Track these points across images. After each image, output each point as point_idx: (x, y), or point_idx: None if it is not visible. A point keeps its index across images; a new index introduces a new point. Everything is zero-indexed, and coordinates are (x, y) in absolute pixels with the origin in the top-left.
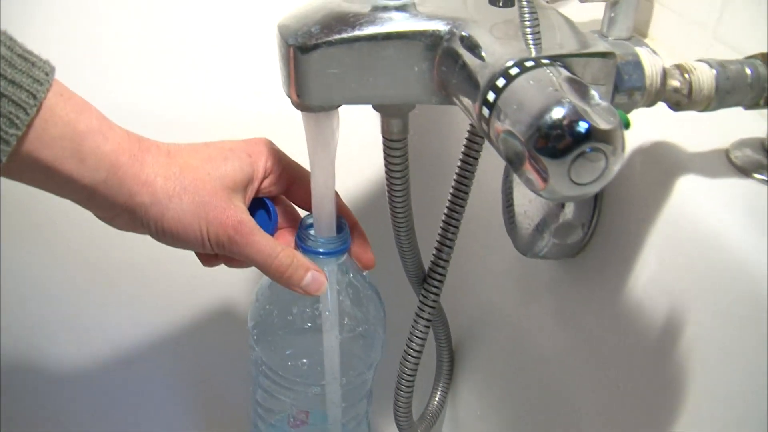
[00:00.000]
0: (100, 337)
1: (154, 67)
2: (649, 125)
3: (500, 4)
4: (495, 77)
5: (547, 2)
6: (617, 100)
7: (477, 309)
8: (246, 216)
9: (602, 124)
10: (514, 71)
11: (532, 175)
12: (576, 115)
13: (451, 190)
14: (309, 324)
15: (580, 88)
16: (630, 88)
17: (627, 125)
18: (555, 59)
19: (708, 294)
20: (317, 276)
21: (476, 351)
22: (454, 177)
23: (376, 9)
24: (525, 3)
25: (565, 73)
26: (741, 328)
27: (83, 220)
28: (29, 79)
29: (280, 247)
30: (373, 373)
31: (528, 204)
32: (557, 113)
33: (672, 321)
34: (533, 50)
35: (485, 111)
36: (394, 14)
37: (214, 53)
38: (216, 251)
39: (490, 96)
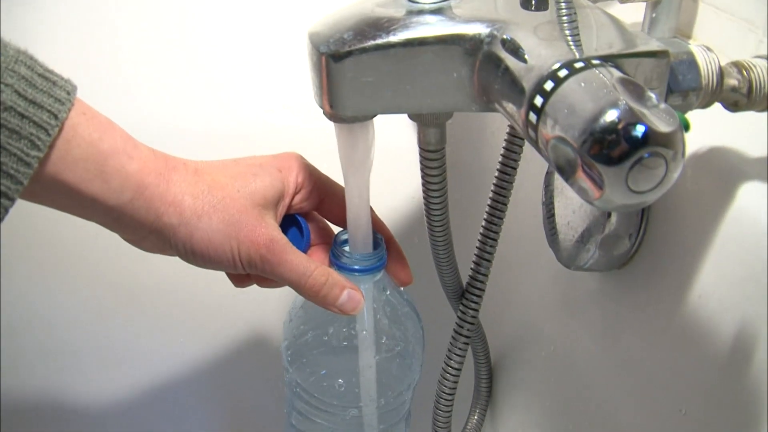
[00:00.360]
0: (129, 362)
1: (181, 83)
2: (700, 127)
3: (533, 8)
4: (542, 80)
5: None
6: (671, 102)
7: (517, 325)
8: (278, 233)
9: (661, 127)
10: (562, 73)
11: (586, 184)
12: (633, 118)
13: (489, 202)
14: (345, 344)
15: (636, 89)
16: (685, 88)
17: (687, 127)
18: (605, 59)
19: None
20: (353, 294)
21: (516, 369)
22: (492, 188)
23: (411, 13)
24: (563, 3)
25: (617, 73)
26: None
27: (109, 243)
28: (50, 99)
29: (314, 264)
30: (412, 393)
31: (571, 214)
32: (612, 116)
33: (738, 338)
34: (575, 51)
35: (532, 116)
36: (429, 18)
37: (241, 67)
38: (248, 271)
39: (538, 100)
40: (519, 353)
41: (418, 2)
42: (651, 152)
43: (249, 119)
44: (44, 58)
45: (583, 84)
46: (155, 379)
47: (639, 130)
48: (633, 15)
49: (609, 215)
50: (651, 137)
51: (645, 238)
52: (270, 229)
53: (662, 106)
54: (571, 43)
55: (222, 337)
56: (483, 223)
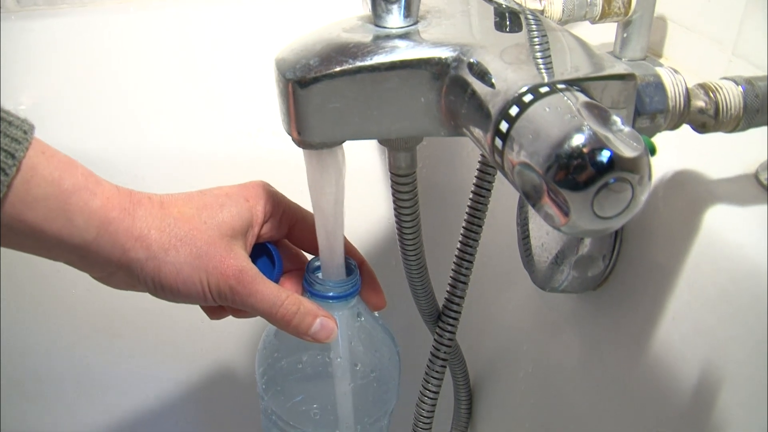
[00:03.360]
0: (109, 389)
1: (174, 109)
2: (670, 149)
3: (507, 30)
4: (508, 105)
5: (558, 23)
6: (639, 125)
7: (495, 346)
8: (247, 263)
9: (626, 152)
10: (527, 98)
11: (552, 210)
12: (598, 143)
13: (464, 224)
14: (320, 370)
15: (601, 114)
16: (653, 111)
17: (653, 151)
18: (571, 83)
19: (745, 328)
20: (326, 323)
21: (495, 390)
22: (467, 210)
23: (378, 38)
24: (534, 25)
25: (583, 97)
26: None
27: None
28: (6, 139)
29: (285, 293)
30: (389, 419)
31: (545, 236)
32: (577, 141)
33: (707, 358)
34: (545, 75)
35: (498, 142)
36: (397, 42)
37: (230, 94)
38: (219, 303)
39: (503, 126)
40: (498, 374)
41: (384, 27)
42: (616, 177)
43: (237, 144)
44: (49, 89)
45: (547, 109)
46: (135, 405)
47: (604, 156)
48: (605, 35)
49: (582, 237)
50: (616, 162)
51: (619, 259)
52: (239, 260)
53: (627, 130)
54: (542, 66)
55: (200, 363)
56: (458, 245)
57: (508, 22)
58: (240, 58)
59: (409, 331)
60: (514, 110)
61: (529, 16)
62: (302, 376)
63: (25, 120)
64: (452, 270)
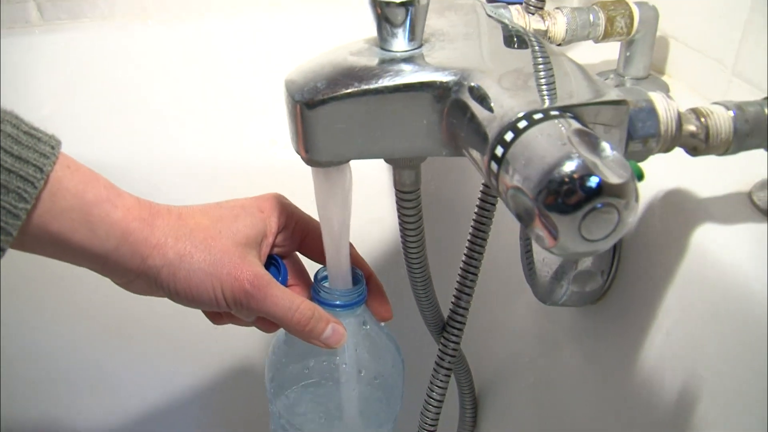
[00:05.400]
0: (118, 390)
1: (168, 119)
2: (667, 169)
3: (515, 46)
4: (503, 131)
5: (560, 45)
6: (632, 148)
7: (500, 357)
8: (261, 270)
9: (613, 178)
10: (522, 124)
11: (542, 232)
12: (586, 170)
13: (469, 237)
14: (326, 377)
15: (591, 141)
16: (644, 135)
17: (640, 177)
18: (565, 110)
19: (731, 341)
20: (337, 328)
21: (500, 400)
22: (471, 224)
23: (384, 62)
24: (538, 51)
25: (575, 125)
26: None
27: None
28: (35, 154)
29: (299, 299)
30: (394, 424)
31: (546, 251)
32: (566, 168)
33: (701, 376)
34: (547, 101)
35: (494, 166)
36: (401, 66)
37: (228, 104)
38: (232, 309)
39: (499, 150)
40: (502, 384)
41: (390, 50)
42: (603, 203)
43: (252, 156)
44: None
45: (540, 135)
46: (145, 407)
47: (592, 182)
48: (610, 52)
49: (572, 258)
50: (603, 188)
51: (617, 275)
52: (253, 266)
53: (615, 157)
54: (545, 93)
55: (211, 366)
56: (463, 258)
57: (512, 46)
58: (254, 73)
59: (416, 339)
60: (509, 136)
61: (534, 41)
62: (309, 381)
63: (52, 136)
64: (457, 282)
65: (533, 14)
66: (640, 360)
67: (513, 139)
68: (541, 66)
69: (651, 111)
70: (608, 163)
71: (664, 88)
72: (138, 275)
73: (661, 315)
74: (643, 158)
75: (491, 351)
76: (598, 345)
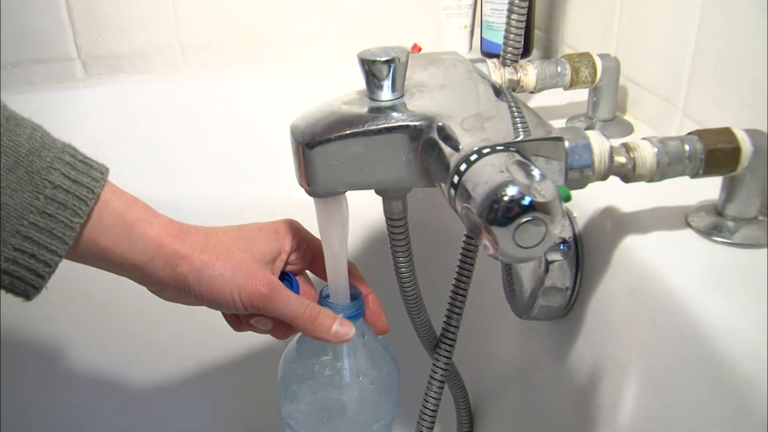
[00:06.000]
0: (129, 392)
1: (194, 160)
2: (619, 194)
3: (483, 95)
4: (459, 163)
5: (532, 92)
6: (571, 176)
7: (491, 370)
8: (275, 277)
9: (541, 198)
10: (473, 157)
11: (487, 242)
12: (518, 192)
13: (458, 262)
14: (328, 380)
15: (525, 169)
16: (581, 166)
17: (567, 199)
18: (510, 145)
19: (668, 343)
20: (344, 323)
21: (494, 412)
22: (460, 249)
23: (371, 110)
24: (513, 103)
25: (515, 157)
26: (692, 371)
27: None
28: (88, 179)
29: (308, 301)
30: (390, 425)
31: (521, 271)
32: (503, 190)
33: (643, 369)
34: (521, 134)
35: (452, 191)
36: (385, 113)
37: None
38: (249, 311)
39: (455, 179)
40: (494, 396)
41: (376, 100)
42: (533, 217)
43: (268, 193)
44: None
45: (485, 165)
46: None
47: (524, 201)
48: (580, 96)
49: (547, 271)
50: (532, 206)
51: (581, 290)
52: (268, 274)
53: (545, 182)
54: (520, 129)
55: (224, 373)
56: (453, 281)
57: (480, 94)
58: (269, 120)
59: (415, 354)
60: (463, 166)
61: (506, 92)
62: (314, 386)
63: (102, 164)
64: (448, 303)
65: (508, 66)
66: (601, 363)
67: (465, 169)
68: (515, 111)
69: (587, 146)
70: (538, 187)
71: (629, 128)
72: (169, 283)
73: (615, 321)
74: (583, 185)
75: (483, 365)
76: (567, 353)
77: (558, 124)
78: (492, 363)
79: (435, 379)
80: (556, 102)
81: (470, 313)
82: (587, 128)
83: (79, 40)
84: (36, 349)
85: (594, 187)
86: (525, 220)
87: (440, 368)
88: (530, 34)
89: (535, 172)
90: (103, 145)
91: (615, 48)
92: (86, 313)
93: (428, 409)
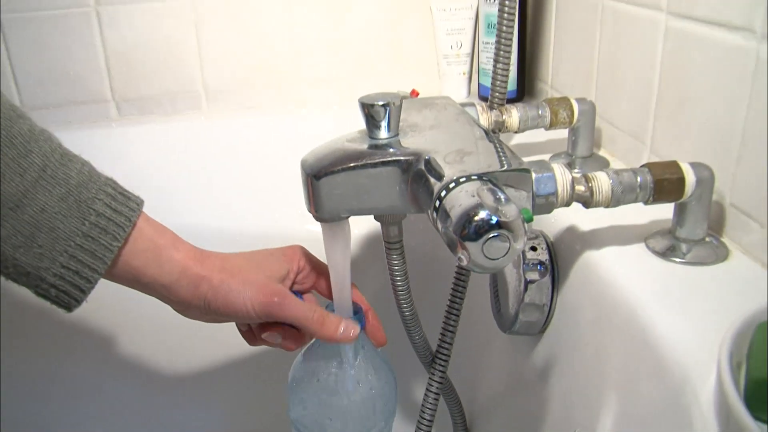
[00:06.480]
0: (130, 394)
1: (218, 194)
2: (588, 220)
3: (465, 134)
4: (440, 190)
5: (517, 132)
6: (538, 202)
7: (484, 383)
8: (286, 289)
9: (505, 218)
10: (451, 185)
11: (462, 255)
12: (487, 214)
13: (452, 283)
14: (331, 386)
15: (494, 195)
16: (546, 194)
17: (530, 220)
18: (483, 176)
19: (626, 345)
20: (349, 324)
21: (489, 423)
22: (454, 271)
23: (370, 147)
24: (491, 140)
25: (487, 185)
26: (643, 371)
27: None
28: (126, 208)
29: (315, 306)
30: (389, 428)
31: (505, 289)
32: (475, 212)
33: (601, 373)
34: (504, 161)
35: (434, 214)
36: (382, 150)
37: (268, 182)
38: (262, 319)
39: (437, 203)
40: (489, 407)
41: (375, 138)
42: (498, 233)
43: (283, 224)
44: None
45: (461, 192)
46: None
47: (491, 220)
48: (562, 135)
49: (525, 290)
50: (498, 224)
51: (557, 307)
52: (279, 286)
53: (510, 205)
54: (503, 159)
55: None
56: (447, 301)
57: (463, 133)
58: (285, 157)
59: (412, 368)
60: (443, 193)
61: (487, 131)
62: (319, 391)
63: (138, 197)
64: (443, 321)
65: (494, 109)
66: (574, 368)
67: (445, 195)
68: (498, 147)
69: (551, 177)
70: (503, 209)
71: (605, 164)
72: (192, 302)
73: (584, 334)
74: (549, 210)
75: (477, 379)
76: (547, 363)
77: (540, 158)
78: (484, 377)
79: (431, 392)
80: (540, 140)
81: (464, 330)
82: (568, 164)
83: (113, 84)
84: (36, 349)
85: (567, 214)
86: (492, 235)
87: (436, 381)
88: (524, 80)
89: (502, 197)
90: (133, 178)
91: (594, 92)
92: (87, 313)
93: (425, 419)
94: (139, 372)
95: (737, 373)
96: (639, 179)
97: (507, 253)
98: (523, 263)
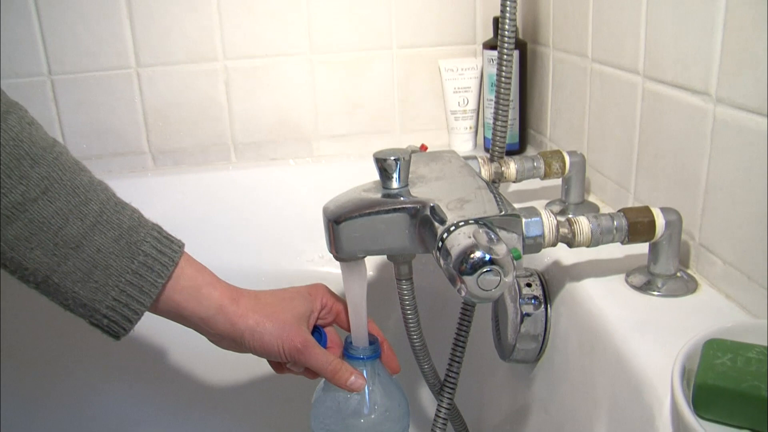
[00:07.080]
0: (133, 396)
1: (243, 239)
2: (576, 258)
3: (468, 184)
4: (443, 232)
5: (514, 182)
6: (527, 242)
7: (489, 409)
8: (309, 337)
9: (496, 256)
10: (452, 228)
11: (461, 287)
12: (482, 252)
13: (458, 318)
14: (350, 409)
15: (488, 236)
16: (534, 236)
17: (518, 258)
18: (479, 220)
19: (609, 372)
20: (358, 377)
21: None
22: (460, 306)
23: (384, 196)
24: (489, 189)
25: (484, 228)
26: (629, 401)
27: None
28: (170, 250)
29: (332, 357)
30: None
31: (505, 321)
32: (471, 251)
33: (593, 400)
34: (503, 210)
35: (437, 254)
36: (393, 198)
37: (290, 227)
38: (289, 360)
39: (440, 244)
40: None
41: (388, 188)
42: (491, 268)
43: (303, 266)
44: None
45: (459, 234)
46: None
47: (485, 258)
48: (556, 183)
49: (521, 321)
50: (490, 261)
51: (550, 337)
52: (305, 334)
53: (501, 245)
54: (490, 207)
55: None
56: (454, 333)
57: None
58: (306, 206)
59: (423, 394)
60: (445, 235)
61: (486, 182)
62: (338, 417)
63: (179, 240)
64: (450, 351)
65: (494, 161)
66: (565, 398)
67: (446, 237)
68: (496, 197)
69: (538, 221)
70: (495, 248)
71: (595, 209)
72: (226, 336)
73: (572, 361)
74: (537, 250)
75: (482, 406)
76: (542, 390)
77: (536, 204)
78: (488, 403)
79: (440, 417)
80: (536, 188)
81: (469, 359)
82: (561, 210)
83: (150, 138)
84: (36, 349)
85: (558, 254)
86: (485, 270)
87: (444, 407)
88: (525, 133)
89: (494, 238)
90: (167, 222)
91: (585, 144)
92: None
93: None
94: (141, 375)
95: (688, 384)
96: (615, 223)
97: (498, 285)
98: (520, 297)
